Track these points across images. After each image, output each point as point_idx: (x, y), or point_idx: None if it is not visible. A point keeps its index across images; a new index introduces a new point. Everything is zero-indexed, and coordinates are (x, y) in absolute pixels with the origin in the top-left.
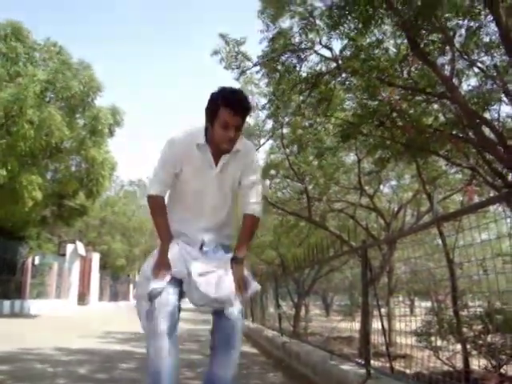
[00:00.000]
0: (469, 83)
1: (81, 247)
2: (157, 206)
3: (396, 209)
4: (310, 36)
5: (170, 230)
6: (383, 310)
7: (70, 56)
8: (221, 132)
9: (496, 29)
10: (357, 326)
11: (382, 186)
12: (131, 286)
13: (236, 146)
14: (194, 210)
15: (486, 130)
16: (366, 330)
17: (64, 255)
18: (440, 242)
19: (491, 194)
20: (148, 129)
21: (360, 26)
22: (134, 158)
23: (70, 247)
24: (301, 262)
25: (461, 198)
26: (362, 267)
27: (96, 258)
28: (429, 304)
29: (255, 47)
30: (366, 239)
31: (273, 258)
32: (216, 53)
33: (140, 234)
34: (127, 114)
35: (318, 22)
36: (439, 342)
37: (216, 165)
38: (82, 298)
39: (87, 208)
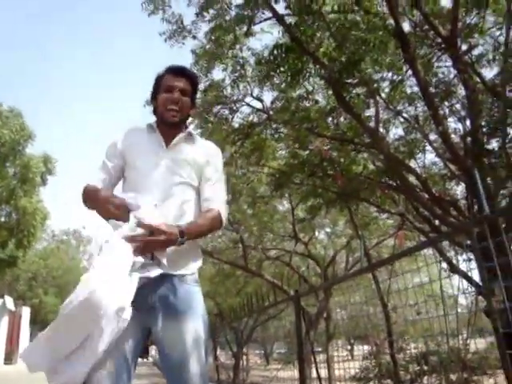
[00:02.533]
0: (395, 132)
1: (9, 301)
2: (88, 190)
3: (331, 255)
4: (242, 88)
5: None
6: (322, 357)
7: (0, 104)
8: (164, 96)
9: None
10: (297, 374)
11: (316, 233)
12: None
13: (189, 129)
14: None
15: (413, 178)
16: (302, 379)
17: None
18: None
19: (422, 238)
20: (83, 177)
21: (289, 79)
22: (70, 208)
23: None
24: (238, 311)
25: (392, 243)
26: (295, 316)
27: (26, 312)
28: (368, 348)
29: None
30: (299, 287)
31: (210, 307)
32: (149, 103)
33: (74, 288)
34: (60, 162)
35: (249, 74)
36: None
37: (167, 146)
38: (10, 356)
39: (17, 259)
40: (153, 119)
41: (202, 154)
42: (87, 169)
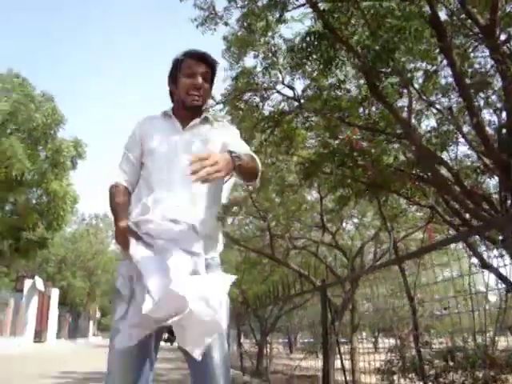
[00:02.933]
0: (428, 123)
1: (39, 282)
2: (114, 190)
3: (358, 246)
4: (273, 75)
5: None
6: (347, 348)
7: (33, 88)
8: (186, 81)
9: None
10: (320, 364)
11: (344, 224)
12: (91, 323)
13: (206, 114)
14: (159, 184)
15: (444, 170)
16: (326, 369)
17: (21, 291)
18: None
19: (452, 232)
20: (113, 161)
21: (321, 67)
22: (98, 192)
23: (28, 282)
24: (264, 299)
25: (421, 236)
26: (321, 306)
27: (55, 293)
28: (393, 341)
29: (218, 85)
30: (325, 277)
31: (236, 295)
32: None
33: (103, 272)
34: (91, 147)
35: (280, 61)
36: (402, 381)
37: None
38: (39, 335)
39: (47, 241)
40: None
41: (221, 133)
42: (117, 153)
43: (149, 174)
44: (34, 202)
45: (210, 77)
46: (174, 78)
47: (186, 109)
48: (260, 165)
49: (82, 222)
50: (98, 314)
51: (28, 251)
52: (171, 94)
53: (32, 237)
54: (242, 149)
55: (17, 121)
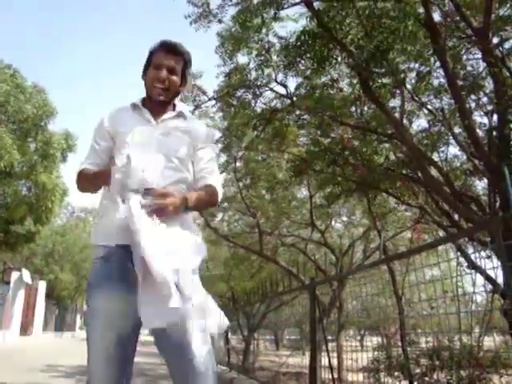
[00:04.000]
0: (419, 124)
1: (27, 275)
2: (85, 174)
3: (347, 244)
4: (266, 72)
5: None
6: (333, 345)
7: (24, 79)
8: (152, 73)
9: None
10: (306, 361)
11: (333, 222)
12: (78, 316)
13: (179, 107)
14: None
15: (434, 171)
16: (313, 367)
17: (8, 283)
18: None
19: (440, 232)
20: None
21: (315, 66)
22: None
23: (15, 275)
24: (251, 295)
25: (409, 235)
26: (310, 304)
27: (42, 286)
28: (379, 339)
29: (211, 81)
30: (315, 276)
31: (224, 291)
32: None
33: (91, 265)
34: (82, 140)
35: (274, 58)
36: (387, 379)
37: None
38: (25, 328)
39: (35, 234)
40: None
41: (194, 130)
42: None
43: (119, 169)
44: (22, 194)
45: (179, 69)
46: (145, 69)
47: (153, 101)
48: (220, 194)
49: (72, 215)
50: (85, 308)
51: (16, 244)
52: (145, 86)
53: (20, 230)
54: (208, 154)
55: (6, 112)
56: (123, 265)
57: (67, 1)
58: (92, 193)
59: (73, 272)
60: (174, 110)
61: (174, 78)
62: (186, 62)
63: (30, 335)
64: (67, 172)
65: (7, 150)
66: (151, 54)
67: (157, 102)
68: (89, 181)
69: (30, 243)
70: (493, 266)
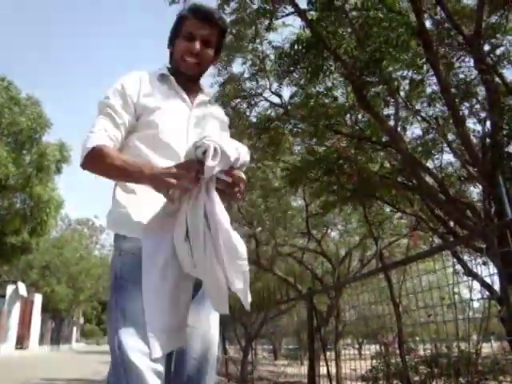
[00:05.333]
0: (413, 131)
1: (22, 288)
2: (106, 150)
3: (343, 253)
4: (261, 82)
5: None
6: (331, 354)
7: (19, 91)
8: (182, 43)
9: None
10: (305, 370)
11: (329, 231)
12: (74, 329)
13: (204, 87)
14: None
15: (429, 178)
16: (311, 376)
17: (3, 296)
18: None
19: (436, 239)
20: None
21: (309, 75)
22: (84, 197)
23: (10, 288)
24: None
25: (405, 242)
26: (308, 313)
27: (38, 299)
28: (377, 347)
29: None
30: (312, 285)
31: None
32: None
33: (87, 278)
34: (75, 151)
35: (268, 68)
36: None
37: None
38: (21, 341)
39: (30, 246)
40: None
41: (221, 117)
42: None
43: (147, 151)
44: (17, 206)
45: (214, 41)
46: (173, 37)
47: (181, 75)
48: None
49: (68, 227)
50: (82, 320)
51: (11, 256)
52: (171, 56)
53: (15, 242)
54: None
55: (1, 124)
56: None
57: (64, 13)
58: (106, 178)
59: (69, 284)
60: (200, 88)
61: (208, 51)
62: (222, 33)
63: (26, 348)
64: (62, 183)
65: (2, 162)
66: (181, 19)
67: (185, 77)
68: (114, 168)
69: (25, 255)
70: (489, 272)
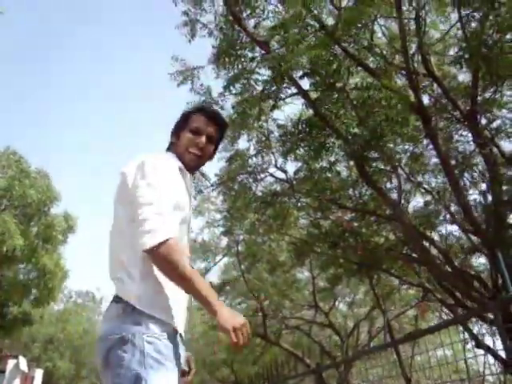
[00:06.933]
0: (416, 204)
1: (23, 363)
2: (181, 251)
3: (351, 325)
4: (266, 158)
5: None
6: None
7: (29, 165)
8: (189, 136)
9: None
10: None
11: (337, 303)
12: None
13: None
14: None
15: (434, 250)
16: None
17: (3, 372)
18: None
19: (444, 309)
20: (99, 234)
21: (312, 152)
22: (88, 267)
23: (11, 363)
24: (256, 380)
25: (414, 313)
26: None
27: (39, 374)
28: None
29: (212, 166)
30: (320, 358)
31: (227, 375)
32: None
33: (91, 352)
34: (84, 221)
35: (273, 144)
36: None
37: None
38: None
39: (31, 317)
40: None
41: None
42: (103, 226)
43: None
44: (21, 277)
45: (216, 139)
46: (178, 130)
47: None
48: None
49: (69, 300)
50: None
51: (12, 328)
52: (170, 146)
53: (16, 313)
54: None
55: (11, 196)
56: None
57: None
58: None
59: (71, 360)
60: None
61: (210, 146)
62: (223, 132)
63: None
64: (67, 254)
65: (10, 234)
66: (188, 115)
67: (187, 168)
68: (181, 276)
69: (26, 326)
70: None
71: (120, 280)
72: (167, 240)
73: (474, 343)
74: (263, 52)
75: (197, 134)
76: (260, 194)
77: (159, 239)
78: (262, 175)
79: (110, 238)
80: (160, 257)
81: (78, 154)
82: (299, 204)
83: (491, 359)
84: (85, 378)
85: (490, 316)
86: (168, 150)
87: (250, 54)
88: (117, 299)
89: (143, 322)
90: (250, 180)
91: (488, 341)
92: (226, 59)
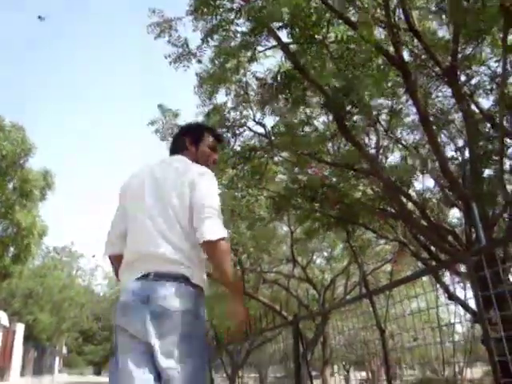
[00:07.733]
0: (393, 159)
1: (4, 317)
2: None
3: (329, 279)
4: (244, 112)
5: None
6: (318, 382)
7: (2, 118)
8: (210, 152)
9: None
10: None
11: (314, 257)
12: (57, 359)
13: None
14: None
15: (411, 204)
16: None
17: None
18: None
19: (419, 264)
20: (84, 193)
21: (290, 105)
22: (68, 223)
23: None
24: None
25: (389, 268)
26: (293, 340)
27: (20, 329)
28: (364, 374)
29: (191, 120)
30: (298, 311)
31: (206, 330)
32: (152, 123)
33: (71, 307)
34: (62, 178)
35: (251, 98)
36: None
37: None
38: (2, 373)
39: (11, 271)
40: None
41: None
42: (85, 184)
43: None
44: None
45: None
46: (198, 140)
47: None
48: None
49: (47, 255)
50: (65, 350)
51: None
52: (183, 147)
53: None
54: None
55: None
56: None
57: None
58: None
59: (52, 313)
60: None
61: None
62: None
63: (7, 380)
64: (45, 211)
65: None
66: (205, 131)
67: None
68: (227, 268)
69: (6, 280)
70: (466, 295)
71: (179, 262)
72: (225, 237)
73: (446, 295)
74: (242, 2)
75: (214, 152)
76: (238, 148)
77: (223, 235)
78: (241, 129)
79: (148, 216)
80: (220, 248)
81: (62, 115)
82: (278, 159)
83: (462, 312)
84: (66, 332)
85: (464, 271)
86: (181, 149)
87: (228, 5)
88: (181, 279)
89: (202, 298)
90: (229, 135)
91: (460, 293)
92: (205, 9)
